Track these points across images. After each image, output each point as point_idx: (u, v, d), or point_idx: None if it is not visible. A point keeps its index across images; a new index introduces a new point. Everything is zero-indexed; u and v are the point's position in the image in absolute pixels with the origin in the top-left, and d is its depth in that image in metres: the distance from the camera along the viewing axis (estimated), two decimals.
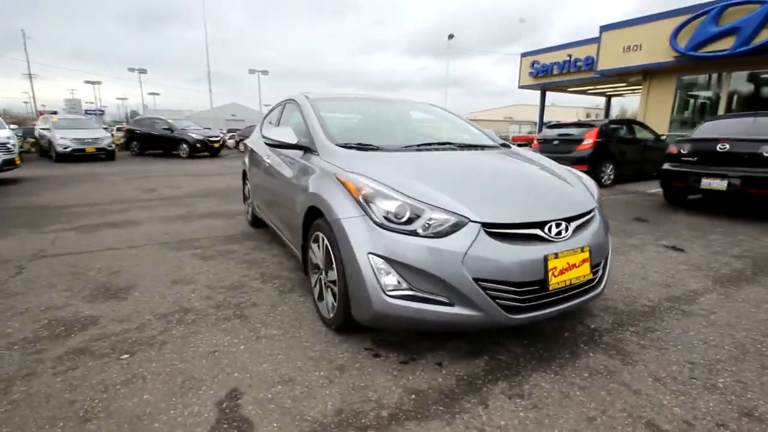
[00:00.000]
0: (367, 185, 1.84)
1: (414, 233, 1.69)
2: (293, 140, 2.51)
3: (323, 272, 2.13)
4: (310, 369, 1.79)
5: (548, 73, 15.33)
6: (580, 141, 7.94)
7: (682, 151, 5.58)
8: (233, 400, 1.58)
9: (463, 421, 1.47)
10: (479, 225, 1.68)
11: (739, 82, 10.31)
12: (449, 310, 1.65)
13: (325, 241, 2.01)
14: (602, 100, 20.85)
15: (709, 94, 11.10)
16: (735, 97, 10.42)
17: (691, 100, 11.57)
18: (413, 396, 1.61)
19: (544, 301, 1.75)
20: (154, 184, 7.91)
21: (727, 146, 5.04)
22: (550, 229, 1.78)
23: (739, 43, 8.86)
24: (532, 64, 15.88)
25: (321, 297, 2.22)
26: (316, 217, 2.20)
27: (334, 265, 1.92)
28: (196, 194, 6.77)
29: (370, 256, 1.71)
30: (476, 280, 1.63)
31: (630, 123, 8.95)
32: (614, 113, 21.31)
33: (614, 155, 8.06)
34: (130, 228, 4.43)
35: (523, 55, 16.49)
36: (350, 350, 1.95)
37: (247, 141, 4.59)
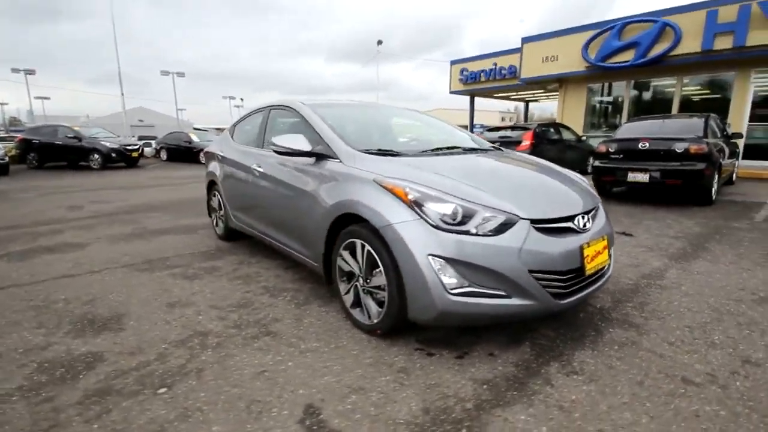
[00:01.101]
0: (417, 189, 1.89)
1: (467, 233, 1.78)
2: (307, 147, 2.45)
3: (361, 279, 2.12)
4: (374, 375, 1.78)
5: (476, 80, 16.45)
6: (518, 142, 8.68)
7: (610, 149, 6.40)
8: (314, 416, 1.53)
9: (540, 401, 1.60)
10: (528, 222, 1.82)
11: (638, 88, 12.09)
12: (507, 302, 1.77)
13: (367, 247, 2.01)
14: (512, 104, 22.85)
15: (613, 99, 12.83)
16: (630, 102, 12.18)
17: (599, 105, 13.26)
18: (485, 386, 1.70)
19: (580, 285, 1.95)
20: (77, 200, 6.97)
21: (647, 144, 5.92)
22: (577, 221, 1.99)
23: (638, 55, 10.41)
24: (462, 71, 16.92)
25: (357, 304, 2.20)
26: (346, 225, 2.19)
27: (382, 270, 1.94)
28: (135, 209, 6.12)
29: (431, 257, 1.76)
30: (530, 272, 1.77)
31: (556, 125, 10.00)
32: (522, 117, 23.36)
33: (546, 154, 8.93)
34: (75, 251, 3.90)
35: (453, 62, 17.48)
36: (402, 353, 1.97)
37: (213, 149, 4.30)
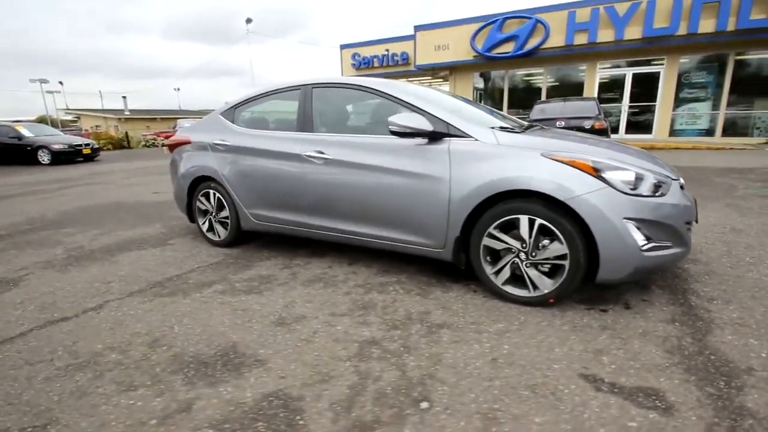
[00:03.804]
0: (596, 160, 2.01)
1: (642, 195, 2.00)
2: (429, 127, 2.30)
3: (523, 254, 2.16)
4: (589, 338, 1.88)
5: (370, 66, 16.73)
6: None
7: None
8: (600, 381, 1.57)
9: (723, 323, 1.94)
10: (677, 182, 2.14)
11: (515, 77, 14.11)
12: (673, 251, 2.06)
13: (538, 221, 2.06)
14: None
15: (495, 86, 14.70)
16: (509, 89, 14.18)
17: (483, 91, 15.04)
18: (677, 324, 1.97)
19: None
20: None
21: (563, 123, 7.10)
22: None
23: (517, 47, 12.13)
24: (353, 56, 16.96)
25: (513, 280, 2.23)
26: (492, 204, 2.18)
27: (563, 240, 2.02)
28: (30, 228, 4.63)
29: (625, 221, 1.93)
30: (685, 223, 2.10)
31: None
32: None
33: None
34: (12, 290, 2.84)
35: (343, 47, 17.36)
36: (581, 314, 2.11)
37: (198, 138, 3.55)
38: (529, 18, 11.79)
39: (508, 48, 12.36)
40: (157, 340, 2.07)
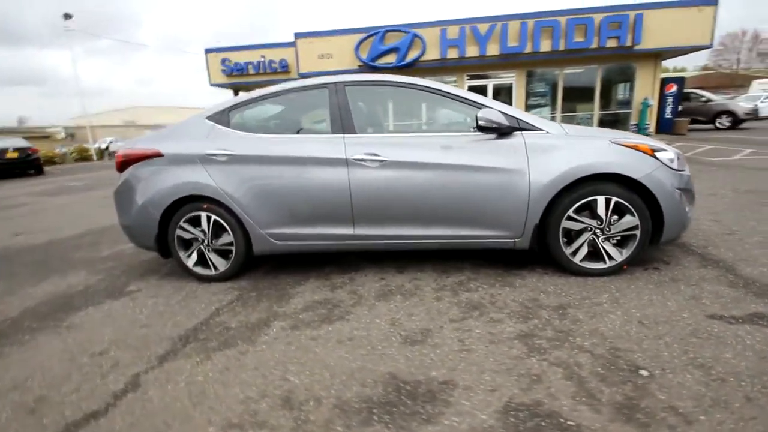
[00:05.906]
0: (650, 144, 2.43)
1: (677, 169, 2.50)
2: (506, 122, 2.40)
3: (599, 231, 2.45)
4: (674, 290, 2.27)
5: (244, 72, 15.52)
6: None
7: None
8: (724, 317, 1.93)
9: (734, 259, 2.59)
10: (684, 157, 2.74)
11: None
12: (692, 210, 2.63)
13: (614, 199, 2.38)
14: None
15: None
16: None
17: None
18: (710, 267, 2.53)
19: None
20: None
21: None
22: None
23: (399, 58, 12.99)
24: (223, 61, 15.50)
25: (590, 256, 2.51)
26: (566, 190, 2.41)
27: (635, 213, 2.38)
28: None
29: (677, 190, 2.39)
30: None
31: None
32: None
33: None
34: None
35: (208, 51, 15.67)
36: (649, 275, 2.50)
37: (177, 149, 2.85)
38: (407, 32, 12.81)
39: (391, 59, 13.18)
40: (287, 398, 1.64)
